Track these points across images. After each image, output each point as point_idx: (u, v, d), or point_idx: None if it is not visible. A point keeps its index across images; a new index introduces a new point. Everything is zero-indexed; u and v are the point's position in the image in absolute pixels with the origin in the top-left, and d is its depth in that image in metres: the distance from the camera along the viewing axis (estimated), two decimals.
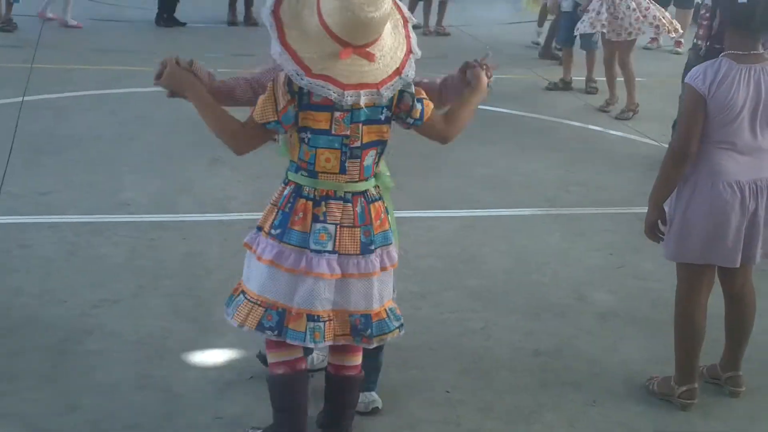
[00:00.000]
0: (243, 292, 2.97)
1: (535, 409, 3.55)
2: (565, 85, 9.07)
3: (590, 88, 8.92)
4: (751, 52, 3.35)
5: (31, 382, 3.49)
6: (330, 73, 2.72)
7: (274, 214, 2.90)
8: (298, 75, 2.70)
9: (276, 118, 2.79)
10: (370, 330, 2.97)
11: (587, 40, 8.68)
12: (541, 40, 10.96)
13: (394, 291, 3.14)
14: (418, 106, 2.90)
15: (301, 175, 2.88)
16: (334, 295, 2.91)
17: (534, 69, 10.01)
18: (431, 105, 2.94)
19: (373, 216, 2.93)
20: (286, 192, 2.90)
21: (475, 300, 4.44)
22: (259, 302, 2.91)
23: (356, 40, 2.73)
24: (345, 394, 3.18)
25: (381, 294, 2.99)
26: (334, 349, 3.12)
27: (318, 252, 2.86)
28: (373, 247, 2.92)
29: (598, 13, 7.97)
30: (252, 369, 3.67)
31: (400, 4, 2.93)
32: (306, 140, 2.83)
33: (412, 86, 2.89)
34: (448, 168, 6.29)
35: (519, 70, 9.89)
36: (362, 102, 2.76)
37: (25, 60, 8.60)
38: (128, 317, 4.01)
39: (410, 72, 2.85)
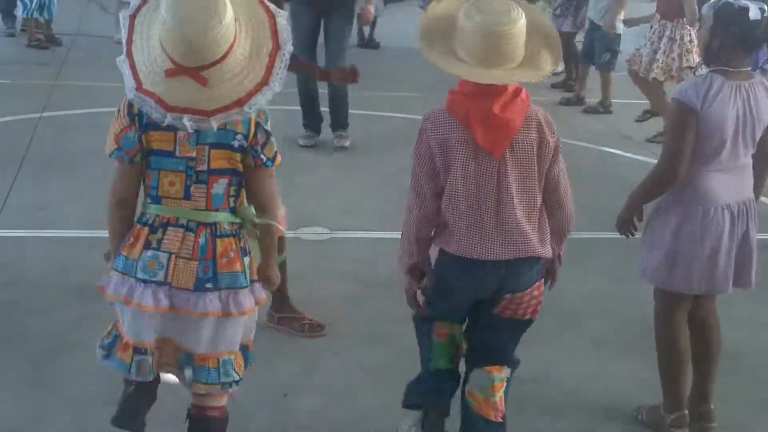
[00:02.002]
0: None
1: None
2: (579, 101, 9.10)
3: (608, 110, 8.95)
4: (741, 69, 3.26)
5: (6, 393, 3.53)
6: (156, 91, 2.52)
7: None
8: (130, 88, 2.55)
9: (116, 146, 2.64)
10: (189, 371, 2.78)
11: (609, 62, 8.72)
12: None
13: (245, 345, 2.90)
14: (273, 141, 2.70)
15: (147, 201, 2.72)
16: (160, 322, 2.71)
17: (549, 92, 9.94)
18: (279, 158, 2.73)
19: (218, 252, 2.67)
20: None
21: None
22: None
23: (183, 59, 2.49)
24: None
25: (216, 340, 2.75)
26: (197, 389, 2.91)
27: (144, 281, 2.65)
28: (210, 286, 2.66)
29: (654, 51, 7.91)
30: None
31: (280, 29, 2.62)
32: (149, 163, 2.67)
33: (267, 121, 2.69)
34: None
35: (541, 91, 9.85)
36: (188, 127, 2.52)
37: (49, 77, 8.76)
38: None
39: (256, 106, 2.57)
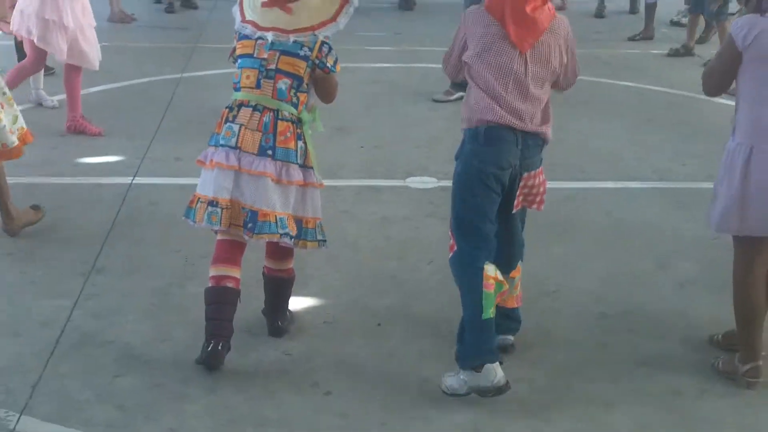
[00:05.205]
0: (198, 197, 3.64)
1: (583, 364, 3.74)
2: (687, 51, 8.97)
3: None
4: None
5: (136, 316, 4.03)
6: (253, 18, 3.60)
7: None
8: (237, 21, 3.64)
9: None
10: (252, 225, 3.51)
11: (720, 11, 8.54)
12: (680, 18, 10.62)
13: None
14: (335, 53, 3.62)
15: (234, 91, 3.62)
16: (231, 185, 3.50)
17: (672, 44, 9.81)
18: (339, 65, 3.67)
19: (278, 130, 3.53)
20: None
21: (555, 266, 4.60)
22: (201, 200, 3.55)
23: None
24: (278, 290, 3.88)
25: (273, 200, 3.52)
26: (269, 255, 3.83)
27: (222, 146, 3.53)
28: (270, 153, 3.51)
29: None
30: (325, 315, 4.07)
31: None
32: (237, 64, 3.63)
33: (330, 41, 3.62)
34: (567, 139, 6.31)
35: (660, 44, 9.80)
36: (269, 39, 3.52)
37: (190, 40, 9.38)
38: None
39: (325, 33, 3.59)
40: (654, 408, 3.46)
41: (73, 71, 6.31)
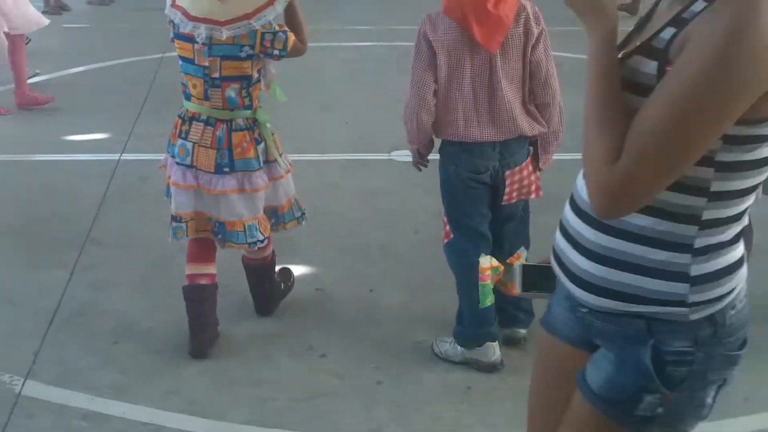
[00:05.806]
0: None
1: None
2: (629, 8, 9.10)
3: None
4: None
5: (129, 287, 4.10)
6: (183, 5, 3.26)
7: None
8: (167, 5, 3.32)
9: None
10: (221, 235, 3.49)
11: None
12: None
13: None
14: (281, 36, 3.30)
15: (184, 97, 3.43)
16: (192, 201, 3.44)
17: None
18: (293, 36, 3.34)
19: (233, 142, 3.35)
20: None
21: (540, 234, 4.68)
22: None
23: None
24: (258, 276, 3.81)
25: (238, 211, 3.42)
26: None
27: (178, 164, 3.40)
28: (227, 170, 3.36)
29: None
30: (317, 283, 4.16)
31: None
32: (180, 67, 3.37)
33: (272, 26, 3.28)
34: None
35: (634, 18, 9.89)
36: (203, 33, 3.19)
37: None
38: None
39: (262, 20, 3.23)
40: None
41: (17, 42, 6.29)
